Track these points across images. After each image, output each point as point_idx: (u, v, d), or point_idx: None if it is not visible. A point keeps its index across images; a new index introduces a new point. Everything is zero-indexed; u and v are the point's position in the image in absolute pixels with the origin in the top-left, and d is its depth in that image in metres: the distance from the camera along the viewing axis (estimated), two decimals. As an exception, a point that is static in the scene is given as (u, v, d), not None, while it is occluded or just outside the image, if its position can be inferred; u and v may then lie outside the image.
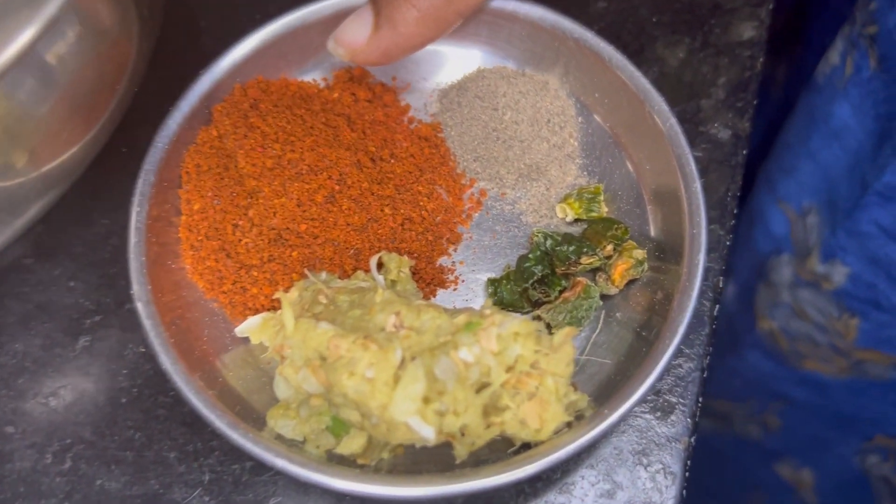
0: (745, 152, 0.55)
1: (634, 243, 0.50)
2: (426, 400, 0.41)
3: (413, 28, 0.45)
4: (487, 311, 0.43)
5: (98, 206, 0.55)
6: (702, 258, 0.46)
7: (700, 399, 0.49)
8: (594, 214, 0.52)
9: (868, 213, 0.56)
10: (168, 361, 0.45)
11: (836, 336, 0.64)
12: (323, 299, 0.46)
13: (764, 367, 0.72)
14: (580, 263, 0.49)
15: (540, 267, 0.49)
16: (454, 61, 0.57)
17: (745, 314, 0.71)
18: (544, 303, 0.50)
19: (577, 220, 0.53)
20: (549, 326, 0.49)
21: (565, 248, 0.49)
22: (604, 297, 0.50)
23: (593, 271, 0.51)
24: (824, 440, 0.75)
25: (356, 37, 0.46)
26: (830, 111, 0.60)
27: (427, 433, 0.41)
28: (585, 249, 0.49)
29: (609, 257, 0.50)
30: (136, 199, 0.49)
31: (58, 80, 0.44)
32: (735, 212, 0.53)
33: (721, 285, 0.51)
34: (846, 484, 0.76)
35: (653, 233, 0.51)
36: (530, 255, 0.50)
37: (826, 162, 0.61)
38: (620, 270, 0.49)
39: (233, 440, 0.43)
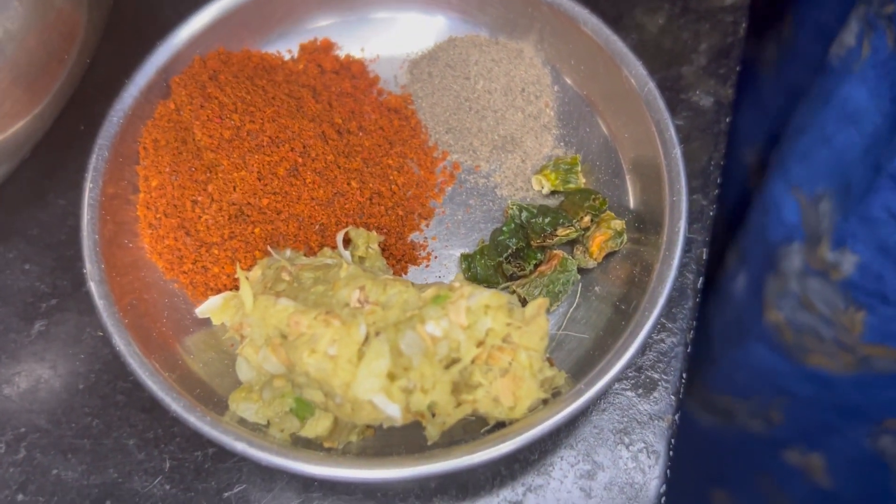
0: (728, 119, 0.53)
1: (613, 214, 0.48)
2: (391, 376, 0.39)
3: None
4: (457, 284, 0.41)
5: (54, 186, 0.53)
6: (682, 226, 0.44)
7: (684, 375, 0.46)
8: (571, 186, 0.50)
9: (880, 197, 0.54)
10: (122, 343, 0.43)
11: (841, 330, 0.62)
12: (286, 276, 0.44)
13: (768, 362, 0.71)
14: (556, 235, 0.47)
15: (514, 240, 0.47)
16: (425, 30, 0.55)
17: (754, 305, 0.70)
18: (519, 277, 0.47)
19: (553, 192, 0.51)
20: (524, 302, 0.47)
21: (541, 219, 0.47)
22: (581, 270, 0.48)
23: (570, 244, 0.48)
24: (831, 426, 0.73)
25: None
26: (846, 94, 0.58)
27: (393, 411, 0.39)
28: (562, 221, 0.47)
29: (587, 229, 0.47)
30: (89, 175, 0.46)
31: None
32: (718, 181, 0.51)
33: (705, 257, 0.49)
34: (860, 463, 0.74)
35: (632, 204, 0.49)
36: (504, 228, 0.48)
37: (841, 146, 0.59)
38: (598, 242, 0.47)
39: (189, 423, 0.41)
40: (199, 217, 0.47)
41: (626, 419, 0.46)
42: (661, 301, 0.43)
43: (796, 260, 0.64)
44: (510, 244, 0.47)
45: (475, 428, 0.43)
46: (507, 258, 0.47)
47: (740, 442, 0.83)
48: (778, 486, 0.83)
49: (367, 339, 0.40)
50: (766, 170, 0.68)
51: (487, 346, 0.40)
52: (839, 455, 0.75)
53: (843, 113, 0.59)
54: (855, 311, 0.60)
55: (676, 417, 0.46)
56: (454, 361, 0.40)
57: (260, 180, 0.46)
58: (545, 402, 0.42)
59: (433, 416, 0.41)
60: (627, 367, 0.41)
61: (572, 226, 0.47)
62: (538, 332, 0.40)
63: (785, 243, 0.65)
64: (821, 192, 0.61)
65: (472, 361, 0.40)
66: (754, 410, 0.78)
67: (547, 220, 0.47)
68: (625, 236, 0.47)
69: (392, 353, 0.39)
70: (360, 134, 0.51)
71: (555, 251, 0.47)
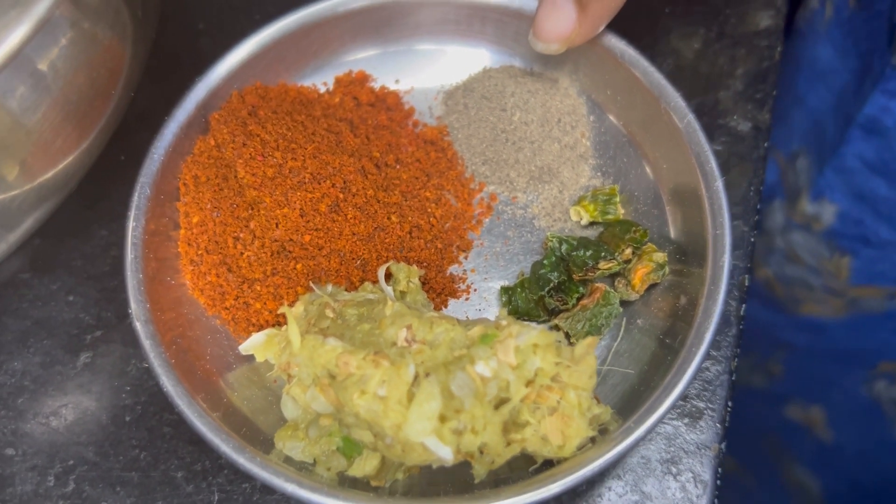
0: (766, 144, 0.53)
1: (654, 246, 0.48)
2: (443, 418, 0.39)
3: None
4: (503, 322, 0.41)
5: (96, 218, 0.53)
6: (727, 260, 0.44)
7: (729, 403, 0.46)
8: (610, 217, 0.50)
9: (852, 147, 0.57)
10: (170, 383, 0.43)
11: (829, 277, 0.64)
12: (330, 313, 0.44)
13: (763, 317, 0.73)
14: (598, 269, 0.47)
15: (556, 273, 0.47)
16: (459, 61, 0.55)
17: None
18: (561, 311, 0.47)
19: (592, 224, 0.50)
20: (567, 336, 0.47)
21: (582, 252, 0.47)
22: (624, 303, 0.48)
23: (612, 277, 0.48)
24: (828, 376, 0.75)
25: (563, 26, 0.44)
26: (815, 55, 0.61)
27: (444, 454, 0.39)
28: (603, 254, 0.47)
29: (628, 261, 0.47)
30: (132, 214, 0.47)
31: (49, 86, 0.42)
32: (758, 207, 0.51)
33: (747, 283, 0.49)
34: (858, 413, 0.76)
35: (673, 234, 0.49)
36: (545, 262, 0.48)
37: (813, 105, 0.62)
38: (641, 275, 0.47)
39: (240, 465, 0.41)
40: (241, 253, 0.47)
41: (673, 448, 0.46)
42: (708, 336, 0.43)
43: (779, 216, 0.66)
44: (552, 278, 0.47)
45: (521, 465, 0.43)
46: (549, 292, 0.47)
47: (743, 401, 0.84)
48: (784, 446, 0.84)
49: (416, 378, 0.40)
50: None
51: (536, 386, 0.40)
52: (838, 406, 0.76)
53: (812, 73, 0.61)
54: (840, 256, 0.62)
55: (723, 446, 0.46)
56: (503, 401, 0.40)
57: (302, 217, 0.46)
58: (593, 439, 0.42)
59: (481, 454, 0.41)
60: (677, 402, 0.41)
61: (614, 259, 0.47)
62: (587, 370, 0.40)
63: (767, 202, 0.67)
64: (797, 149, 0.64)
65: (522, 401, 0.40)
66: (754, 364, 0.80)
67: (588, 254, 0.47)
68: (667, 268, 0.47)
69: (443, 394, 0.39)
70: (398, 167, 0.51)
71: (597, 284, 0.47)
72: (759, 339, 0.76)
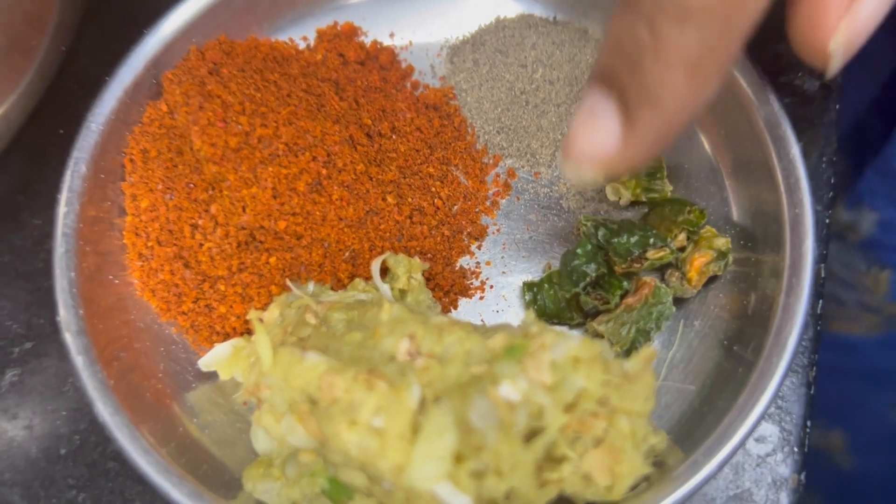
0: (837, 107, 0.44)
1: (713, 230, 0.39)
2: (458, 458, 0.30)
3: (684, 93, 0.29)
4: (533, 329, 0.32)
5: (28, 204, 0.45)
6: (810, 246, 0.35)
7: (808, 423, 0.37)
8: (656, 195, 0.41)
9: None
10: (107, 411, 0.34)
11: (865, 292, 0.59)
12: (311, 319, 0.35)
13: None
14: (645, 258, 0.38)
15: (593, 266, 0.38)
16: (466, 10, 0.46)
17: None
18: (600, 312, 0.38)
19: (633, 204, 0.42)
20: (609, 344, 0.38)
21: (625, 239, 0.38)
22: (677, 301, 0.39)
23: (661, 270, 0.39)
24: (854, 398, 0.69)
25: (601, 142, 0.31)
26: None
27: (461, 503, 0.29)
28: (652, 240, 0.38)
29: (682, 249, 0.38)
30: (63, 197, 0.38)
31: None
32: (832, 181, 0.42)
33: (823, 274, 0.40)
34: (884, 439, 0.69)
35: (736, 216, 0.40)
36: (579, 251, 0.39)
37: (850, 96, 0.54)
38: (698, 266, 0.38)
39: (195, 519, 0.31)
40: (201, 245, 0.38)
41: (740, 481, 0.37)
42: (792, 342, 0.34)
43: None
44: (588, 271, 0.38)
45: (556, 510, 0.34)
46: (586, 289, 0.38)
47: None
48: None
49: (421, 405, 0.30)
50: None
51: (578, 412, 0.31)
52: (862, 431, 0.71)
53: (850, 63, 0.54)
54: (879, 270, 0.57)
55: (802, 477, 0.37)
56: (536, 432, 0.31)
57: (275, 198, 0.37)
58: (647, 477, 0.33)
59: (508, 501, 0.31)
60: (756, 426, 0.32)
61: (666, 246, 0.38)
62: (643, 391, 0.31)
63: None
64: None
65: (559, 431, 0.31)
66: None
67: (634, 240, 0.38)
68: (730, 257, 0.38)
69: (458, 427, 0.30)
70: (394, 137, 0.42)
71: (644, 278, 0.38)
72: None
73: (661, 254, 0.38)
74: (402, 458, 0.30)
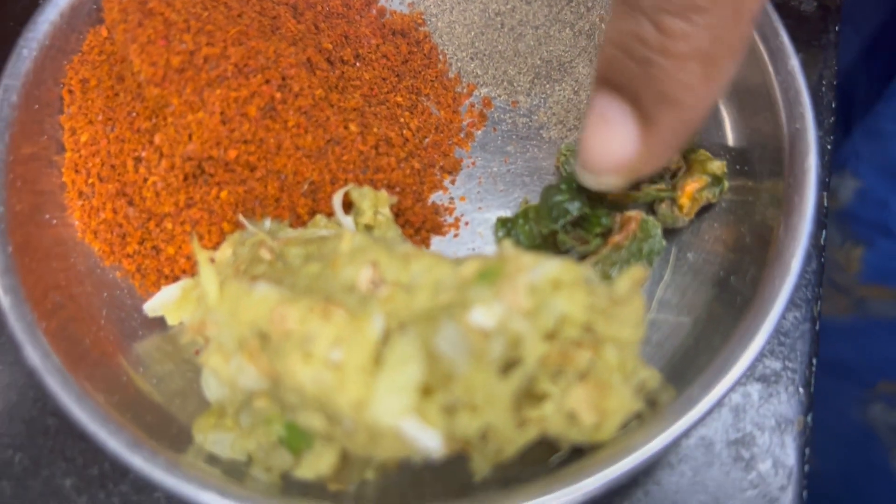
0: (836, 28, 0.41)
1: (707, 153, 0.36)
2: (426, 391, 0.27)
3: (702, 88, 0.28)
4: (510, 253, 0.28)
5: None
6: (813, 163, 0.32)
7: (814, 361, 0.35)
8: (644, 119, 0.37)
9: (892, 106, 0.47)
10: (37, 354, 0.31)
11: (836, 269, 0.56)
12: (266, 254, 0.32)
13: None
14: (639, 190, 0.34)
15: (577, 203, 0.35)
16: (436, -69, 0.43)
17: None
18: (581, 254, 0.35)
19: (619, 129, 0.38)
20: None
21: None
22: (668, 233, 0.35)
23: (651, 205, 0.36)
24: (820, 393, 0.65)
25: (619, 149, 0.30)
26: None
27: (430, 441, 0.27)
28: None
29: (674, 175, 0.35)
30: (-8, 128, 0.34)
31: None
32: (833, 105, 0.39)
33: (825, 204, 0.37)
34: (847, 439, 0.68)
35: (730, 139, 0.37)
36: (563, 186, 0.35)
37: (837, 50, 0.53)
38: (690, 192, 0.35)
39: (134, 467, 0.28)
40: (145, 180, 0.35)
41: (742, 425, 0.34)
42: (797, 265, 0.31)
43: None
44: (571, 209, 0.35)
45: (538, 455, 0.31)
46: (565, 227, 0.35)
47: None
48: None
49: (385, 336, 0.27)
50: None
51: (560, 340, 0.28)
52: (824, 430, 0.68)
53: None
54: (852, 246, 0.54)
55: (809, 419, 0.34)
56: (513, 363, 0.27)
57: (224, 124, 0.34)
58: (639, 416, 0.30)
59: (484, 442, 0.28)
60: (757, 358, 0.29)
61: (661, 180, 0.34)
62: (632, 316, 0.28)
63: None
64: None
65: (539, 362, 0.28)
66: None
67: None
68: (725, 183, 0.35)
69: (425, 356, 0.26)
70: (358, 64, 0.39)
71: (629, 213, 0.35)
72: None
73: (658, 187, 0.35)
74: (362, 392, 0.27)
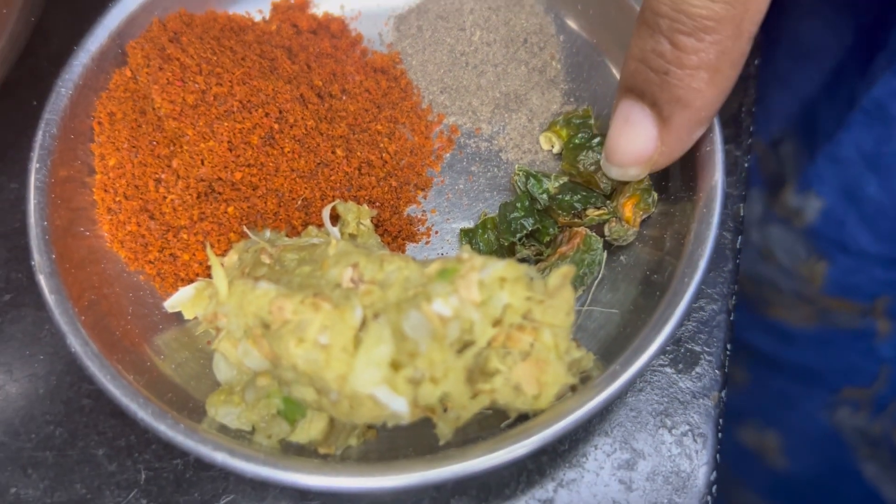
0: (756, 62, 0.47)
1: None
2: (395, 365, 0.33)
3: (709, 92, 0.34)
4: (465, 256, 0.35)
5: (4, 169, 0.48)
6: (719, 180, 0.39)
7: (728, 346, 0.41)
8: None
9: (852, 134, 0.51)
10: (78, 343, 0.37)
11: (802, 282, 0.59)
12: (266, 259, 0.38)
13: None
14: (586, 215, 0.41)
15: (531, 220, 0.41)
16: (411, -19, 0.49)
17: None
18: (536, 261, 0.42)
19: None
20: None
21: (570, 197, 0.41)
22: (619, 248, 0.42)
23: (599, 226, 0.42)
24: (790, 397, 0.70)
25: (641, 145, 0.37)
26: (797, 30, 0.55)
27: (399, 406, 0.33)
28: (593, 200, 0.41)
29: (609, 197, 0.42)
30: (35, 155, 0.41)
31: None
32: (751, 129, 0.45)
33: (742, 213, 0.43)
34: (816, 440, 0.71)
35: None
36: (518, 205, 0.42)
37: (799, 85, 0.57)
38: (630, 206, 0.41)
39: (160, 433, 0.35)
40: (164, 197, 0.41)
41: (666, 399, 0.40)
42: (703, 263, 0.37)
43: (756, 207, 0.61)
44: (526, 224, 0.41)
45: (493, 423, 0.37)
46: (521, 240, 0.41)
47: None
48: (735, 471, 0.78)
49: (363, 323, 0.34)
50: None
51: (505, 326, 0.34)
52: (795, 432, 0.72)
53: (796, 50, 0.56)
54: (816, 260, 0.57)
55: (723, 394, 0.40)
56: (467, 345, 0.34)
57: (231, 151, 0.40)
58: (573, 388, 0.36)
59: (445, 410, 0.35)
60: (669, 340, 0.35)
61: (605, 207, 0.41)
62: (563, 306, 0.34)
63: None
64: (779, 134, 0.58)
65: (489, 344, 0.34)
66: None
67: (577, 198, 0.41)
68: (654, 193, 0.41)
69: (395, 338, 0.33)
70: (344, 98, 0.45)
71: (577, 229, 0.41)
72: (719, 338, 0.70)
73: (601, 212, 0.41)
74: (344, 368, 0.33)
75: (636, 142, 0.37)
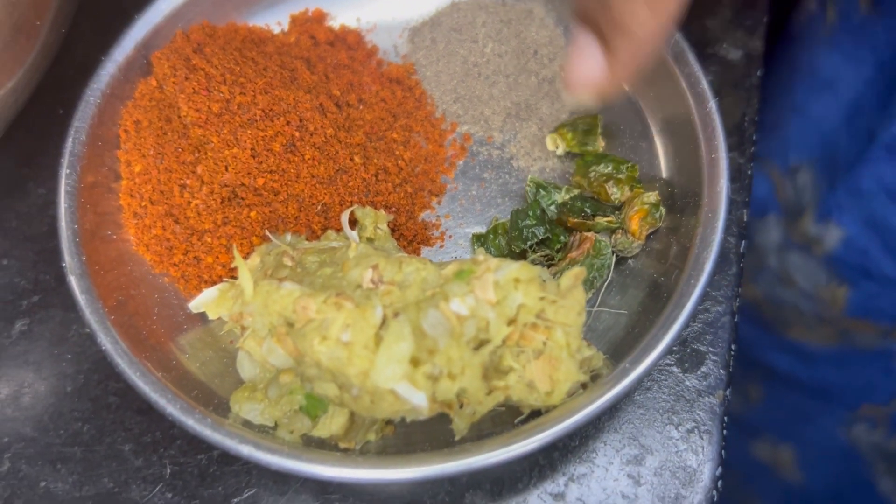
0: (759, 73, 0.49)
1: (641, 188, 0.44)
2: (415, 362, 0.34)
3: (650, 23, 0.34)
4: (481, 258, 0.37)
5: (32, 175, 0.49)
6: (724, 185, 0.40)
7: (733, 346, 0.42)
8: (589, 149, 0.45)
9: (872, 168, 0.51)
10: (108, 341, 0.38)
11: (822, 305, 0.60)
12: (288, 261, 0.39)
13: (747, 334, 0.68)
14: (594, 221, 0.42)
15: (542, 229, 0.43)
16: (424, -5, 0.51)
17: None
18: (546, 265, 0.43)
19: (569, 154, 0.46)
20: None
21: (580, 203, 0.43)
22: (624, 258, 0.43)
23: (608, 233, 0.44)
24: (806, 412, 0.70)
25: (593, 70, 0.37)
26: (817, 62, 0.56)
27: (418, 400, 0.34)
28: (603, 209, 0.43)
29: (619, 209, 0.43)
30: (65, 161, 0.42)
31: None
32: (754, 138, 0.47)
33: (745, 219, 0.45)
34: (832, 455, 0.71)
35: (664, 171, 0.45)
36: (530, 213, 0.43)
37: (817, 115, 0.57)
38: (637, 220, 0.42)
39: (188, 427, 0.36)
40: (189, 202, 0.42)
41: (673, 397, 0.41)
42: (709, 266, 0.38)
43: (774, 234, 0.61)
44: (538, 233, 0.42)
45: (506, 420, 0.39)
46: (532, 247, 0.43)
47: None
48: (748, 485, 0.79)
49: (383, 322, 0.35)
50: None
51: (519, 325, 0.36)
52: (811, 447, 0.72)
53: (816, 81, 0.56)
54: (837, 286, 0.58)
55: (728, 393, 0.41)
56: (483, 343, 0.35)
57: (254, 158, 0.42)
58: (584, 386, 0.37)
59: (461, 406, 0.36)
60: (676, 340, 0.37)
61: (613, 216, 0.43)
62: (575, 306, 0.36)
63: (757, 216, 0.62)
64: (796, 163, 0.58)
65: (503, 342, 0.36)
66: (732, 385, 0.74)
67: (587, 205, 0.43)
68: (662, 209, 0.43)
69: (414, 336, 0.34)
70: (361, 107, 0.47)
71: (587, 234, 0.43)
72: (740, 357, 0.70)
73: (609, 219, 0.43)
74: (366, 364, 0.34)
75: (586, 68, 0.37)
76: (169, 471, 0.41)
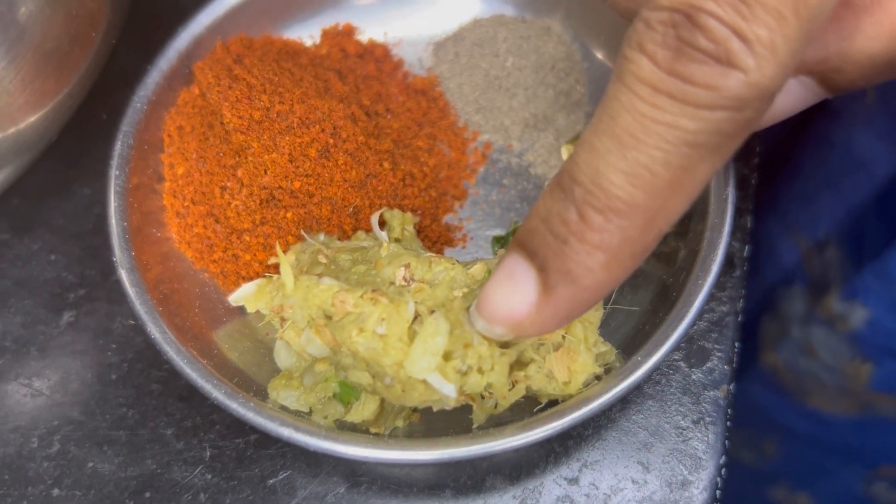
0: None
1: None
2: (447, 356, 0.37)
3: (601, 276, 0.31)
4: (505, 258, 0.39)
5: (78, 176, 0.52)
6: (730, 193, 0.43)
7: (737, 344, 0.45)
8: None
9: None
10: (157, 330, 0.41)
11: (846, 378, 0.59)
12: (323, 259, 0.42)
13: (765, 400, 0.68)
14: None
15: None
16: (448, 11, 0.54)
17: (748, 343, 0.65)
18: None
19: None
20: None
21: None
22: None
23: None
24: (825, 466, 0.70)
25: (516, 306, 0.33)
26: (851, 138, 0.55)
27: (448, 391, 0.37)
28: None
29: None
30: (114, 163, 0.45)
31: (20, 32, 0.40)
32: (758, 149, 0.50)
33: (749, 225, 0.48)
34: None
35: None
36: None
37: (848, 191, 0.56)
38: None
39: (232, 410, 0.39)
40: (229, 203, 0.45)
41: (680, 390, 0.44)
42: (715, 268, 0.41)
43: (798, 305, 0.61)
44: None
45: (524, 410, 0.41)
46: None
47: (729, 476, 0.79)
48: None
49: (416, 317, 0.38)
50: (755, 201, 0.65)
51: (541, 320, 0.38)
52: (828, 497, 0.72)
53: (849, 158, 0.56)
54: (861, 362, 0.57)
55: (731, 387, 0.45)
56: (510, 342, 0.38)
57: (291, 162, 0.44)
58: (598, 378, 0.40)
59: (483, 398, 0.39)
60: (683, 337, 0.40)
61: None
62: (592, 302, 0.39)
63: (784, 286, 0.62)
64: (824, 237, 0.58)
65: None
66: (747, 440, 0.74)
67: None
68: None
69: (450, 332, 0.37)
70: (388, 116, 0.50)
71: None
72: (756, 418, 0.70)
73: None
74: (401, 355, 0.37)
75: (511, 300, 0.33)
76: (209, 453, 0.44)
